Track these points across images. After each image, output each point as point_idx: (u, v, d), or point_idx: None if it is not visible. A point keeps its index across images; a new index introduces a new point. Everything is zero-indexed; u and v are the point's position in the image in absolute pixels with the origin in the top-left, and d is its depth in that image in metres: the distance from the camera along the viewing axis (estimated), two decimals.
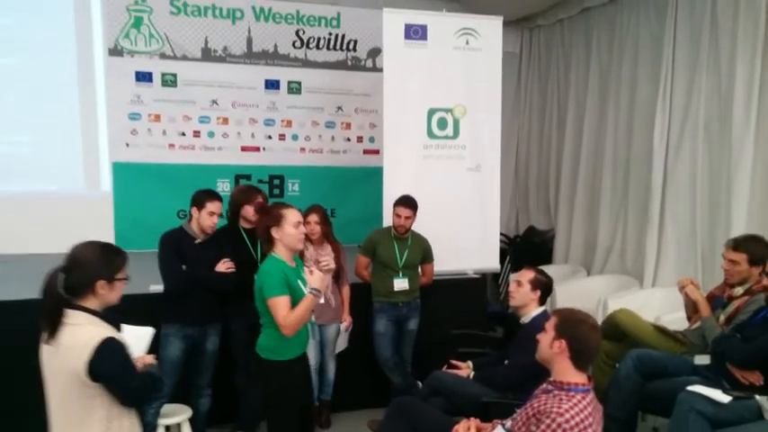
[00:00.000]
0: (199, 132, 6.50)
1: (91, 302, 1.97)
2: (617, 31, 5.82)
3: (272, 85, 6.62)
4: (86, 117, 6.23)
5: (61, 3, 6.03)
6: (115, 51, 6.11)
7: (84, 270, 1.96)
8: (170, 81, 6.33)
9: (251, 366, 3.17)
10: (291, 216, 2.83)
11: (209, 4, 6.32)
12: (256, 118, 6.64)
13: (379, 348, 4.10)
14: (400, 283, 4.14)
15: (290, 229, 2.81)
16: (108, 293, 1.99)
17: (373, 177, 6.67)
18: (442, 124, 4.74)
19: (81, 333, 1.89)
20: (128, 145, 6.31)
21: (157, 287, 4.34)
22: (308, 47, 6.62)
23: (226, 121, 6.57)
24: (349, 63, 6.76)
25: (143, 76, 6.25)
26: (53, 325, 1.89)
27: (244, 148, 6.66)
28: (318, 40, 6.64)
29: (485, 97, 4.77)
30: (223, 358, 3.82)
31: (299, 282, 2.82)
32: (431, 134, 4.73)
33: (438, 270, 4.45)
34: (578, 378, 2.22)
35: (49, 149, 6.16)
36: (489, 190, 4.81)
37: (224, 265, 3.60)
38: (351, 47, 6.75)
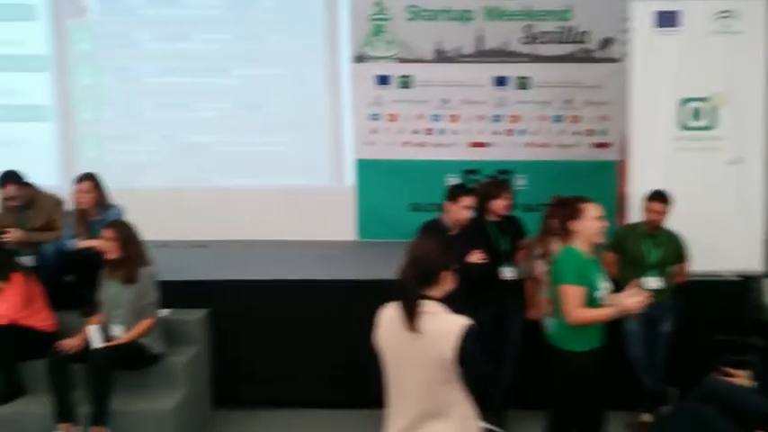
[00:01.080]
0: (431, 130, 6.84)
1: (434, 292, 2.07)
2: None
3: (500, 81, 6.72)
4: (333, 119, 6.89)
5: (314, 19, 6.72)
6: (359, 58, 6.65)
7: (431, 262, 2.07)
8: (406, 83, 6.74)
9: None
10: (592, 210, 2.91)
11: (442, 8, 6.59)
12: (484, 114, 6.79)
13: (631, 347, 4.01)
14: (650, 282, 3.99)
15: (590, 223, 2.89)
16: (448, 283, 2.10)
17: (603, 172, 6.48)
18: (697, 115, 4.46)
19: (442, 321, 2.00)
20: (369, 143, 6.85)
21: None
22: (537, 42, 6.60)
23: (455, 118, 6.82)
24: (579, 55, 6.61)
25: (382, 80, 6.73)
26: (412, 314, 1.99)
27: (472, 144, 6.85)
28: (548, 34, 6.59)
29: (746, 84, 4.40)
30: None
31: (596, 278, 2.88)
32: (683, 125, 4.49)
33: (691, 270, 4.22)
34: None
35: (304, 148, 6.92)
36: (751, 184, 4.43)
37: (476, 256, 3.77)
38: (582, 38, 6.59)
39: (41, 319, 3.87)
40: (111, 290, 3.74)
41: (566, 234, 2.95)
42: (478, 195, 4.19)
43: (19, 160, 6.68)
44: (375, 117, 6.81)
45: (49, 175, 6.74)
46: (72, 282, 4.23)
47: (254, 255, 5.88)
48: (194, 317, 4.25)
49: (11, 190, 4.17)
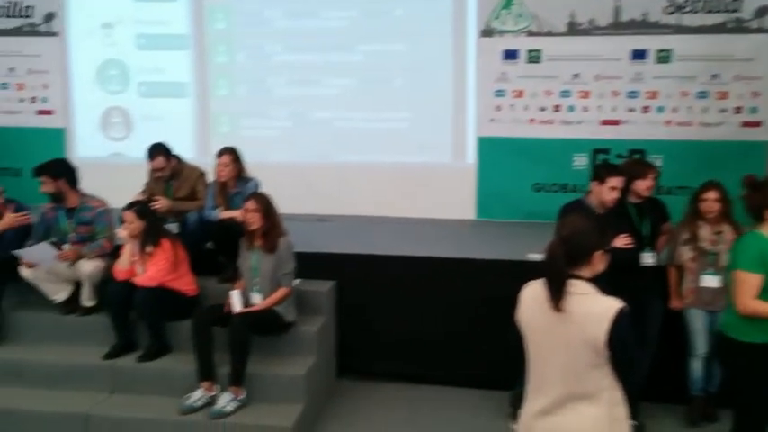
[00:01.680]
0: (559, 107, 6.56)
1: (584, 272, 2.00)
2: None
3: (638, 55, 6.31)
4: (457, 95, 6.78)
5: None
6: (486, 33, 6.48)
7: (584, 241, 2.00)
8: (535, 57, 6.49)
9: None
10: None
11: None
12: (619, 90, 6.41)
13: None
14: None
15: None
16: (599, 264, 2.02)
17: (752, 153, 5.95)
18: None
19: (593, 302, 1.94)
20: (492, 120, 6.69)
21: (536, 256, 4.56)
22: (682, 11, 6.11)
23: (586, 94, 6.49)
24: (730, 25, 6.06)
25: (510, 55, 6.52)
26: (560, 294, 1.94)
27: (603, 122, 6.51)
28: (696, 2, 6.08)
29: None
30: None
31: None
32: None
33: None
34: None
35: (425, 125, 6.88)
36: None
37: (622, 241, 3.57)
38: (734, 7, 6.03)
39: (185, 283, 4.12)
40: (250, 259, 3.90)
41: (759, 218, 2.71)
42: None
43: (160, 134, 7.19)
44: (500, 93, 6.63)
45: (187, 148, 7.17)
46: (212, 250, 4.46)
47: (374, 230, 5.94)
48: (324, 288, 4.35)
49: (159, 162, 4.45)
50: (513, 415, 3.82)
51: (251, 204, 3.81)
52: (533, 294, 2.09)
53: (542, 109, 6.58)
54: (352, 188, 6.98)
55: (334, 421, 3.91)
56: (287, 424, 3.49)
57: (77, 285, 4.26)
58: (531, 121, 6.62)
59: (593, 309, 1.91)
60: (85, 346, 4.10)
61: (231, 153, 4.33)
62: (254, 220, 3.80)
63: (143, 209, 4.01)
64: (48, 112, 7.42)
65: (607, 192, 3.58)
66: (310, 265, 4.40)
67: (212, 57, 7.11)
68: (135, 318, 4.05)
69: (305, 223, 5.93)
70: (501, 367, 4.39)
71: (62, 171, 4.22)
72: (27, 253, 4.06)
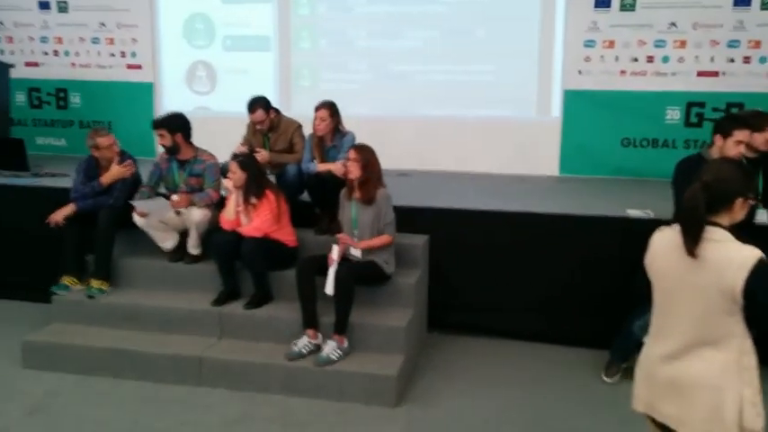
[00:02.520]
0: (652, 57, 6.30)
1: (723, 219, 1.95)
2: None
3: (742, 1, 5.95)
4: (544, 47, 6.58)
5: None
6: None
7: (727, 187, 1.95)
8: (628, 5, 6.21)
9: None
10: None
11: None
12: (718, 39, 6.09)
13: None
14: None
15: None
16: (739, 212, 1.97)
17: None
18: None
19: (730, 250, 1.90)
20: (580, 72, 6.49)
21: (636, 212, 4.47)
22: None
23: (683, 44, 6.21)
24: None
25: (602, 2, 6.27)
26: (696, 240, 1.91)
27: (700, 73, 6.22)
28: None
29: None
30: None
31: None
32: None
33: None
34: None
35: (509, 78, 6.73)
36: None
37: None
38: None
39: (287, 233, 4.23)
40: (350, 210, 3.97)
41: None
42: None
43: (243, 88, 7.31)
44: (590, 44, 6.41)
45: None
46: (309, 202, 4.56)
47: (455, 185, 5.92)
48: (419, 242, 4.39)
49: (259, 114, 4.53)
50: (613, 367, 3.83)
51: (352, 154, 3.86)
52: (665, 240, 2.06)
53: (634, 60, 6.35)
54: (432, 142, 6.95)
55: (432, 373, 3.99)
56: (391, 373, 3.59)
57: (183, 235, 4.43)
58: (622, 72, 6.40)
59: (732, 256, 1.88)
60: (192, 293, 4.29)
61: (329, 107, 4.36)
62: (354, 170, 3.85)
63: (246, 160, 4.11)
64: (137, 67, 7.64)
65: (732, 146, 3.43)
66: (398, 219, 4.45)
67: (295, 9, 7.11)
68: (239, 266, 4.20)
69: (385, 178, 5.97)
70: (593, 324, 4.40)
71: (179, 125, 4.37)
72: (142, 203, 4.25)
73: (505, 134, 6.82)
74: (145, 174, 4.58)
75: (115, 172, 4.40)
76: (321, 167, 4.33)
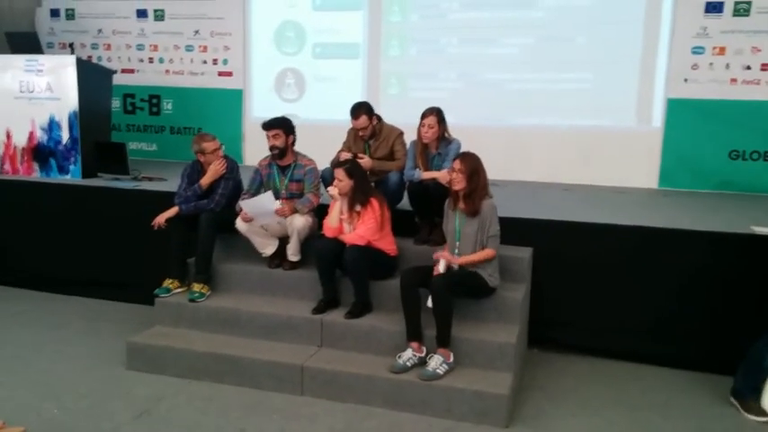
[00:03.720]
0: (767, 65, 5.90)
1: None
2: None
3: None
4: (647, 53, 6.29)
5: None
6: None
7: None
8: (743, 10, 5.86)
9: None
10: None
11: None
12: None
13: None
14: None
15: None
16: None
17: None
18: None
19: None
20: (686, 80, 6.17)
21: (763, 230, 4.14)
22: None
23: None
24: None
25: (713, 7, 5.95)
26: None
27: None
28: None
29: None
30: None
31: None
32: None
33: None
34: None
35: (608, 86, 6.46)
36: None
37: None
38: None
39: (388, 243, 4.13)
40: (454, 221, 3.83)
41: None
42: None
43: (331, 95, 7.34)
44: (698, 50, 6.09)
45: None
46: (409, 211, 4.45)
47: (549, 196, 5.69)
48: (524, 254, 4.21)
49: (362, 121, 4.46)
50: (750, 403, 3.54)
51: (457, 164, 3.72)
52: None
53: (747, 68, 5.99)
54: (523, 152, 6.75)
55: (537, 393, 3.79)
56: (502, 392, 3.42)
57: (282, 241, 4.40)
58: (733, 81, 6.06)
59: None
60: (290, 300, 4.25)
61: (437, 114, 4.25)
62: (458, 181, 3.71)
63: (352, 167, 4.03)
64: (228, 74, 7.79)
65: None
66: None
67: (386, 16, 7.07)
68: (338, 275, 4.13)
69: None
70: (711, 348, 4.09)
71: (292, 129, 4.37)
72: (249, 204, 4.24)
73: (601, 144, 6.55)
74: (246, 181, 4.58)
75: (211, 171, 4.42)
76: (426, 176, 4.22)
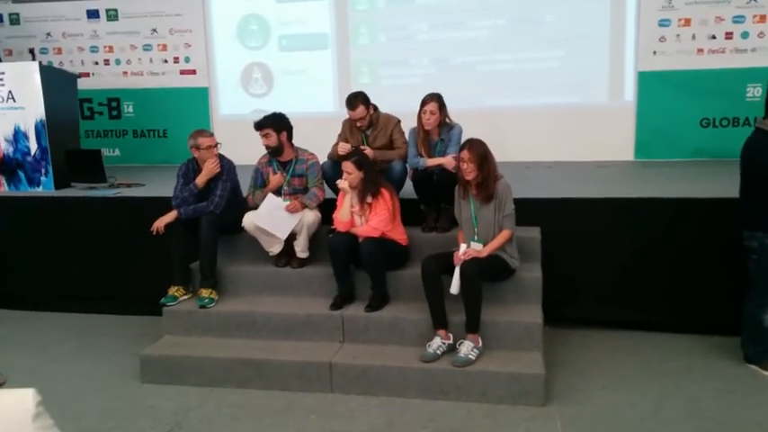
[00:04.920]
0: (731, 34, 6.14)
1: None
2: None
3: None
4: (615, 28, 6.42)
5: None
6: None
7: None
8: None
9: None
10: None
11: None
12: None
13: None
14: None
15: None
16: None
17: None
18: None
19: None
20: (654, 53, 6.33)
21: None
22: None
23: (763, 18, 6.05)
24: None
25: None
26: None
27: None
28: None
29: None
30: None
31: None
32: None
33: None
34: None
35: (579, 63, 6.57)
36: None
37: None
38: None
39: (399, 232, 4.09)
40: (468, 208, 3.81)
41: None
42: None
43: (300, 88, 7.21)
44: (665, 23, 6.26)
45: (327, 101, 7.15)
46: (414, 199, 4.42)
47: (532, 175, 5.75)
48: (535, 234, 4.25)
49: (360, 111, 4.38)
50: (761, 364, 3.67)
51: (465, 154, 3.68)
52: None
53: (712, 37, 6.19)
54: (500, 133, 6.76)
55: (563, 369, 3.82)
56: (539, 371, 3.44)
57: (286, 240, 4.29)
58: (700, 51, 6.25)
59: None
60: (303, 298, 4.17)
61: (438, 99, 4.20)
62: (470, 171, 3.68)
63: (362, 159, 3.96)
64: (191, 72, 7.53)
65: None
66: None
67: (353, 4, 6.97)
68: (352, 268, 4.07)
69: None
70: (716, 311, 4.23)
71: (284, 125, 4.24)
72: (261, 216, 4.11)
73: (576, 121, 6.66)
74: (245, 182, 4.44)
75: (206, 170, 4.26)
76: (431, 162, 4.18)
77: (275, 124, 4.18)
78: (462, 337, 3.66)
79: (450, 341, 3.67)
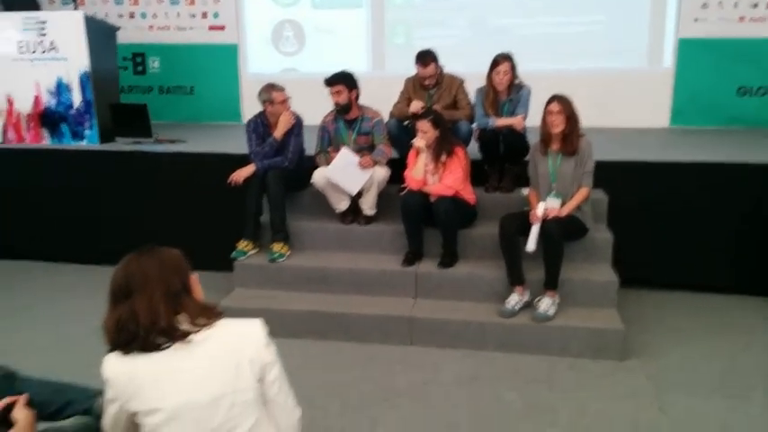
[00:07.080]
0: None
1: None
2: None
3: None
4: None
5: None
6: None
7: None
8: None
9: None
10: None
11: None
12: None
13: None
14: None
15: None
16: None
17: None
18: None
19: None
20: (696, 20, 6.34)
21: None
22: None
23: None
24: None
25: None
26: None
27: None
28: None
29: None
30: None
31: None
32: None
33: None
34: None
35: (619, 28, 6.57)
36: None
37: None
38: None
39: (469, 192, 4.12)
40: (546, 164, 3.84)
41: None
42: None
43: (333, 47, 7.12)
44: None
45: (361, 61, 7.07)
46: (477, 159, 4.44)
47: None
48: (600, 196, 4.29)
49: (431, 68, 4.36)
50: None
51: (555, 106, 3.73)
52: None
53: (754, 5, 6.21)
54: (536, 98, 6.78)
55: (636, 327, 3.88)
56: (619, 327, 3.54)
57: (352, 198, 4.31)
58: (741, 19, 6.27)
59: None
60: (372, 254, 4.20)
61: (510, 60, 4.20)
62: (558, 123, 3.72)
63: (438, 118, 3.96)
64: (219, 28, 7.38)
65: None
66: None
67: None
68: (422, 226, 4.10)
69: None
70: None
71: (355, 83, 4.21)
72: (335, 171, 4.11)
73: (613, 86, 6.66)
74: (311, 141, 4.43)
75: (282, 123, 4.23)
76: (501, 122, 4.20)
77: (347, 82, 4.16)
78: (536, 294, 3.74)
79: (527, 298, 3.74)
